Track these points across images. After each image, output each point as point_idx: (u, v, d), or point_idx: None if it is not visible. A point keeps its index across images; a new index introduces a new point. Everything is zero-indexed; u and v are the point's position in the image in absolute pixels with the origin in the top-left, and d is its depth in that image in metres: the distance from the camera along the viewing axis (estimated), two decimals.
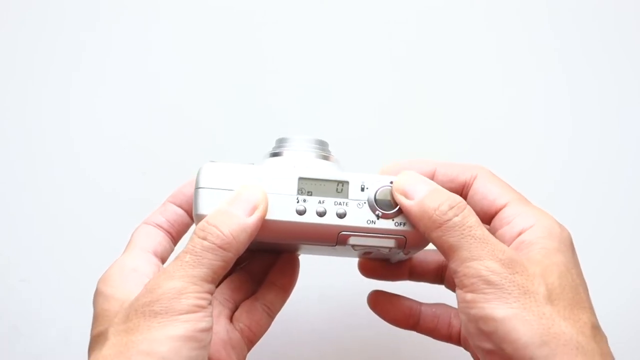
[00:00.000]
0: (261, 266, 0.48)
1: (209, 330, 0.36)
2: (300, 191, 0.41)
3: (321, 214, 0.40)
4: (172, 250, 0.44)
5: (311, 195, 0.41)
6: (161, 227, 0.44)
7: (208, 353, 0.37)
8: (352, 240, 0.41)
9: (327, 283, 0.57)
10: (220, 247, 0.38)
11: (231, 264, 0.38)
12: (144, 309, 0.36)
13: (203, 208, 0.40)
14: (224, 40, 0.59)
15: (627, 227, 0.59)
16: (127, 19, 0.59)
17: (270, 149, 0.46)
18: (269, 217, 0.40)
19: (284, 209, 0.40)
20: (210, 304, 0.37)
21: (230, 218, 0.38)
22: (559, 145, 0.59)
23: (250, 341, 0.45)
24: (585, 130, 0.59)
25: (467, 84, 0.59)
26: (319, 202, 0.40)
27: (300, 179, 0.41)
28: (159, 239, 0.43)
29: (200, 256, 0.37)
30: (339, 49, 0.59)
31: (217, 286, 0.45)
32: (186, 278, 0.36)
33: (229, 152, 0.58)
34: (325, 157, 0.44)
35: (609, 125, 0.59)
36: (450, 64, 0.60)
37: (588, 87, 0.60)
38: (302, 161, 0.43)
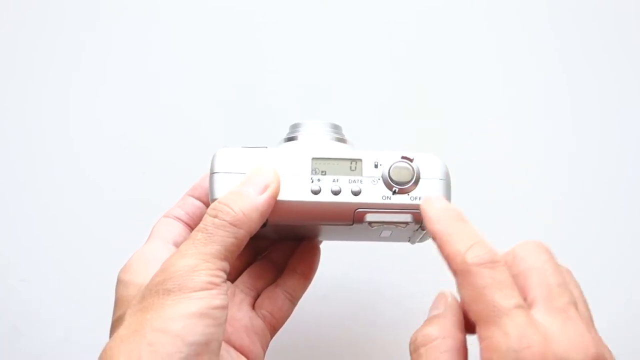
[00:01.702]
0: (282, 254, 0.48)
1: (223, 307, 0.36)
2: (314, 171, 0.41)
3: (336, 193, 0.41)
4: None
5: (325, 174, 0.41)
6: (180, 219, 0.44)
7: (224, 331, 0.37)
8: (369, 217, 0.41)
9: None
10: (231, 224, 0.38)
11: (244, 242, 0.39)
12: (157, 288, 0.36)
13: (218, 192, 0.40)
14: (224, 40, 0.59)
15: (629, 227, 0.59)
16: (127, 19, 0.59)
17: (284, 134, 0.46)
18: (284, 198, 0.40)
19: (299, 190, 0.40)
20: (224, 281, 0.37)
21: (241, 197, 0.39)
22: (559, 145, 0.59)
23: (273, 327, 0.46)
24: (586, 131, 0.59)
25: (467, 84, 0.59)
26: (334, 180, 0.41)
27: (314, 159, 0.41)
28: (179, 231, 0.44)
29: (212, 233, 0.38)
30: (338, 49, 0.59)
31: (239, 274, 0.47)
32: (198, 255, 0.37)
33: None
34: (340, 140, 0.44)
35: (610, 125, 0.59)
36: (450, 64, 0.60)
37: (588, 87, 0.60)
38: (317, 144, 0.43)
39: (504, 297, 0.33)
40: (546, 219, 0.59)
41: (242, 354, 0.44)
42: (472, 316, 0.34)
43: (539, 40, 0.60)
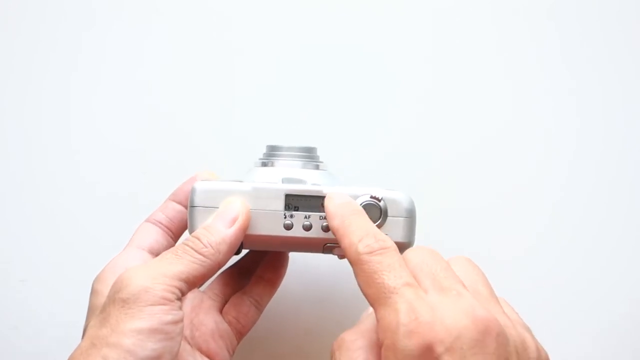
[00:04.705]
0: (251, 262, 0.50)
1: (176, 322, 0.38)
2: (287, 207, 0.43)
3: (307, 228, 0.43)
4: (170, 247, 0.46)
5: (297, 210, 0.43)
6: (161, 223, 0.46)
7: (179, 343, 0.38)
8: (337, 251, 0.43)
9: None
10: (199, 252, 0.40)
11: (212, 271, 0.41)
12: (115, 296, 0.38)
13: (195, 226, 0.43)
14: (222, 44, 0.59)
15: (633, 227, 0.58)
16: (127, 17, 0.59)
17: (261, 155, 0.48)
18: (259, 232, 0.43)
19: (272, 225, 0.43)
20: (179, 298, 0.39)
21: (211, 231, 0.41)
22: (559, 145, 0.59)
23: (239, 332, 0.48)
24: (590, 133, 0.59)
25: (470, 84, 0.59)
26: (305, 217, 0.43)
27: (287, 195, 0.43)
28: (156, 237, 0.45)
29: (180, 257, 0.40)
30: (337, 52, 0.59)
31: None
32: (159, 271, 0.39)
33: (228, 152, 0.58)
34: (315, 166, 0.47)
35: (614, 126, 0.59)
36: (451, 64, 0.59)
37: (593, 88, 0.59)
38: (291, 173, 0.46)
39: (392, 278, 0.35)
40: (546, 219, 0.58)
41: (208, 357, 0.46)
42: (369, 302, 0.36)
43: (544, 40, 0.59)
